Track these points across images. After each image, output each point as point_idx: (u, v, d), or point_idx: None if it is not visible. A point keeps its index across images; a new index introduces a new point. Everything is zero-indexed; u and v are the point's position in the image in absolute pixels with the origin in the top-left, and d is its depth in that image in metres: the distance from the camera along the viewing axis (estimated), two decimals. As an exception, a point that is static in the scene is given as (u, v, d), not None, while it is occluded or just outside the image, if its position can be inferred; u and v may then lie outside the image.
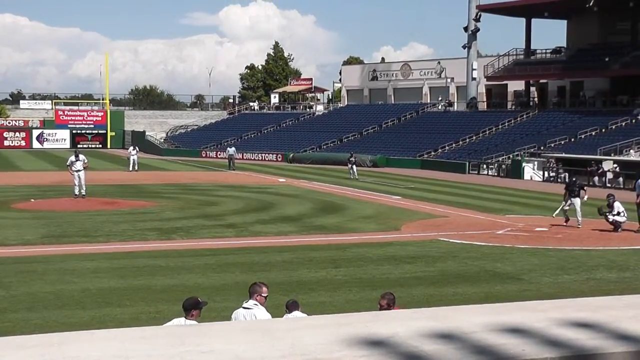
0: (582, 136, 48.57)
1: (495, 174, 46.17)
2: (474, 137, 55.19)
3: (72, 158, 30.59)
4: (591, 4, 51.56)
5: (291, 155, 59.11)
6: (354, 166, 42.59)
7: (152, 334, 3.22)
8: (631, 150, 43.46)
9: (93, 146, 73.43)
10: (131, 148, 48.01)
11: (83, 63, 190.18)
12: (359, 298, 13.53)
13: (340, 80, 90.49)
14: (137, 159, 46.72)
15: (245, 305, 8.52)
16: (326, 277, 15.42)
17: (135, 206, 27.90)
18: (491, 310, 3.73)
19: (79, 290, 13.76)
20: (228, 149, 54.95)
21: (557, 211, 23.58)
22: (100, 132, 77.53)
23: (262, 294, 8.57)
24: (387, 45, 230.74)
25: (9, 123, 77.00)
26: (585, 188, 23.77)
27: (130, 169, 45.67)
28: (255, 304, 8.46)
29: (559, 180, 39.54)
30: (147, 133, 74.95)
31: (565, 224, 22.95)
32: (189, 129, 78.00)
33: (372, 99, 78.79)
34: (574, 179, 27.02)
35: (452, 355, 2.88)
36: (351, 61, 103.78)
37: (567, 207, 23.25)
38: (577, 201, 23.06)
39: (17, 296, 13.47)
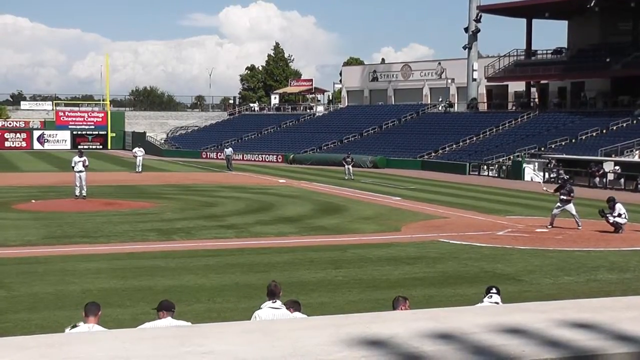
0: (583, 137, 48.55)
1: (496, 175, 46.17)
2: (475, 138, 55.19)
3: (76, 158, 30.62)
4: (592, 4, 51.52)
5: (291, 156, 59.10)
6: (350, 166, 42.85)
7: (152, 335, 3.22)
8: (636, 152, 43.43)
9: (94, 147, 73.41)
10: (136, 149, 47.78)
11: (83, 64, 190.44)
12: (359, 299, 13.54)
13: (340, 81, 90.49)
14: (141, 160, 46.26)
15: (272, 305, 8.45)
16: (326, 278, 15.42)
17: (136, 207, 27.91)
18: (491, 311, 3.74)
19: (79, 291, 13.76)
20: (225, 149, 55.00)
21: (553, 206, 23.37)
22: (100, 133, 77.54)
23: (280, 293, 8.70)
24: (388, 46, 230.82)
25: (10, 124, 77.03)
26: (573, 194, 23.50)
27: (140, 169, 45.35)
28: (282, 304, 8.47)
29: (559, 181, 39.55)
30: (147, 134, 74.96)
31: (549, 226, 22.82)
32: (189, 130, 78.02)
33: (373, 100, 78.80)
34: (565, 179, 26.87)
35: (453, 355, 2.88)
36: (351, 62, 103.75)
37: (557, 211, 23.07)
38: (570, 207, 22.97)
39: (18, 297, 13.47)
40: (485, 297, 9.76)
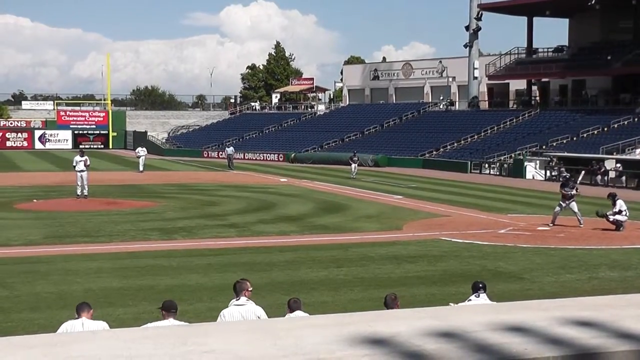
0: (584, 135, 48.53)
1: (497, 173, 46.14)
2: (476, 137, 55.16)
3: (77, 158, 30.66)
4: (593, 2, 51.47)
5: (293, 155, 59.11)
6: (356, 165, 43.01)
7: (154, 334, 3.23)
8: (638, 150, 43.39)
9: (95, 147, 73.46)
10: (139, 148, 47.79)
11: (84, 64, 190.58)
12: (361, 297, 13.53)
13: (341, 79, 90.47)
14: (144, 160, 46.15)
15: (236, 303, 8.56)
16: (328, 277, 15.42)
17: (137, 206, 27.92)
18: (493, 309, 3.74)
19: (81, 290, 13.77)
20: (227, 148, 55.01)
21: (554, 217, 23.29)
22: (102, 132, 77.59)
23: (249, 289, 8.78)
24: (389, 45, 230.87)
25: (11, 124, 77.09)
26: (578, 189, 23.60)
27: (142, 169, 45.26)
28: (247, 300, 8.57)
29: (560, 179, 39.59)
30: (148, 133, 75.00)
31: (551, 224, 22.82)
32: (190, 129, 78.06)
33: (374, 99, 78.77)
34: (566, 177, 26.91)
35: (455, 354, 2.88)
36: (352, 61, 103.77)
37: (559, 209, 23.06)
38: (573, 204, 22.98)
39: (20, 296, 13.49)
40: (472, 295, 9.64)
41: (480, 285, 9.74)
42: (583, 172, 25.33)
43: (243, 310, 8.39)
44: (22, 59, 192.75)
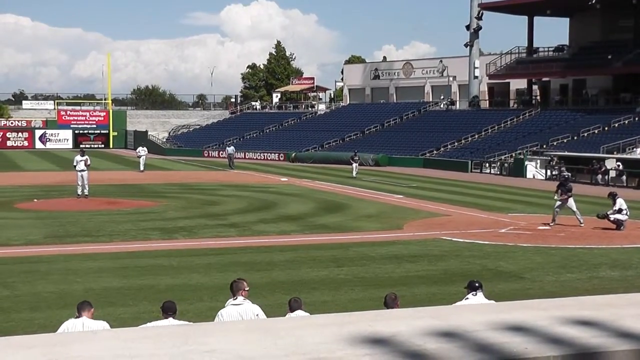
0: (585, 134, 48.51)
1: (498, 172, 46.14)
2: (476, 136, 55.16)
3: (78, 157, 30.67)
4: (593, 1, 51.46)
5: (293, 154, 59.11)
6: (357, 164, 43.08)
7: (155, 334, 3.23)
8: (638, 149, 43.36)
9: (95, 146, 73.48)
10: (140, 148, 47.77)
11: (85, 63, 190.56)
12: (361, 297, 13.54)
13: (342, 79, 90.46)
14: (144, 159, 46.13)
15: (233, 302, 8.59)
16: (329, 276, 15.42)
17: (138, 206, 27.93)
18: (494, 308, 3.74)
19: (82, 290, 13.77)
20: (227, 148, 55.02)
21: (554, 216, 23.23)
22: (102, 132, 77.61)
23: (246, 289, 8.83)
24: (389, 44, 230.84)
25: (12, 123, 77.11)
26: (570, 194, 23.37)
27: (142, 169, 45.23)
28: (244, 299, 8.60)
29: (560, 179, 39.56)
30: (149, 133, 75.01)
31: (551, 223, 22.80)
32: (191, 129, 78.08)
33: (374, 98, 78.76)
34: (566, 177, 26.87)
35: (455, 353, 2.88)
36: (353, 60, 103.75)
37: (558, 208, 23.05)
38: (571, 203, 22.94)
39: (20, 296, 13.50)
40: (469, 294, 9.61)
41: (477, 284, 9.75)
42: (575, 184, 24.98)
43: (241, 310, 8.42)
44: (22, 58, 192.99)
